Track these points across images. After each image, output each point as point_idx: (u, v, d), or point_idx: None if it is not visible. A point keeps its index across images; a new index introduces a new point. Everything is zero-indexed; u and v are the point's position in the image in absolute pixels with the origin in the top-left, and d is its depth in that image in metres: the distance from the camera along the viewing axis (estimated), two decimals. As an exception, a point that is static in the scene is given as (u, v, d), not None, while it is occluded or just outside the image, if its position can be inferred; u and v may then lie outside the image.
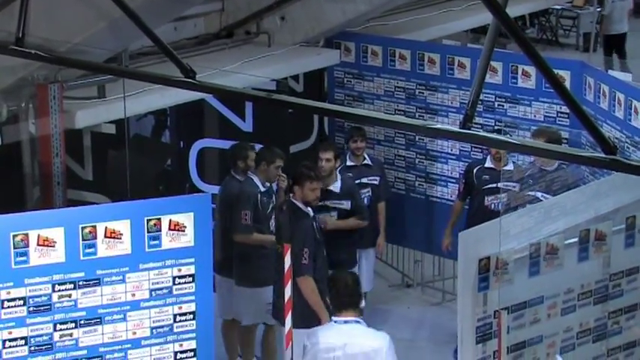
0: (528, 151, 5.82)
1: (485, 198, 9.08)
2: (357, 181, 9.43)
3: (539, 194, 8.14)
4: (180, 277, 6.55)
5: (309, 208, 8.15)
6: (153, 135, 11.40)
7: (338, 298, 6.71)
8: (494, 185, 9.02)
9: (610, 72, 9.55)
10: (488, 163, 9.16)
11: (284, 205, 8.30)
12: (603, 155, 4.51)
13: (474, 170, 9.22)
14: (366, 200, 9.44)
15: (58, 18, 7.05)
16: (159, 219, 6.44)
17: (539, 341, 6.73)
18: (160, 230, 6.45)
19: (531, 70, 9.38)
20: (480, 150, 9.58)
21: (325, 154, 9.05)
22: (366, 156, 9.60)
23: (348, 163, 9.52)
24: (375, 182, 9.55)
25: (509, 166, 9.08)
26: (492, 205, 9.03)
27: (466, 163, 9.67)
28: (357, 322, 6.66)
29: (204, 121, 9.90)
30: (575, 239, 6.82)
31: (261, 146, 9.04)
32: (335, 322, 6.68)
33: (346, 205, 9.04)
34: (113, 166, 8.87)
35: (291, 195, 8.25)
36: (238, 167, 8.76)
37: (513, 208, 8.08)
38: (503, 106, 9.71)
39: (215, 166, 9.86)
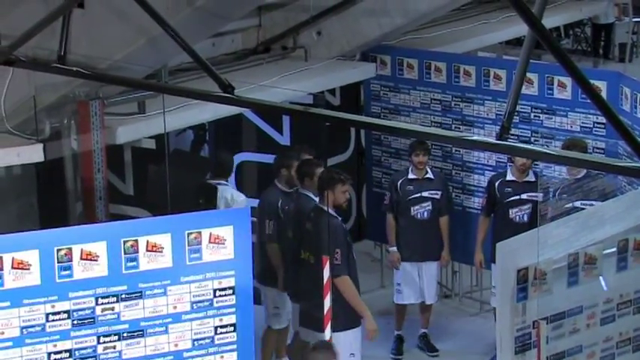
0: (565, 161, 5.84)
1: (510, 210, 9.09)
2: (417, 195, 9.45)
3: (577, 203, 8.14)
4: (220, 289, 6.63)
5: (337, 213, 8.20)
6: (192, 149, 11.52)
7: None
8: (518, 197, 9.04)
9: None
10: (510, 176, 9.17)
11: (312, 212, 8.33)
12: (641, 165, 4.53)
13: (496, 184, 9.23)
14: (425, 214, 9.47)
15: (98, 36, 7.15)
16: (199, 232, 6.52)
17: (579, 351, 6.73)
18: (201, 243, 6.53)
19: (567, 80, 9.38)
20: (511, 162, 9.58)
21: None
22: (429, 170, 9.58)
23: (410, 176, 9.49)
24: (437, 196, 9.50)
25: (531, 177, 9.10)
26: (517, 217, 9.05)
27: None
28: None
29: (242, 135, 9.99)
30: (614, 249, 6.82)
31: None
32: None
33: None
34: (153, 180, 8.96)
35: (318, 201, 8.31)
36: (282, 176, 8.77)
37: (551, 219, 8.09)
38: (539, 117, 9.71)
39: (254, 180, 9.94)
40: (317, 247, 8.00)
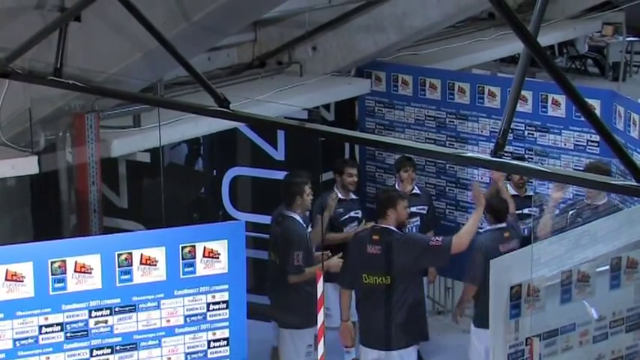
0: (559, 179, 5.84)
1: None
2: None
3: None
4: (214, 303, 6.64)
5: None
6: (186, 163, 11.51)
7: None
8: (519, 212, 9.07)
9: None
10: (511, 191, 9.21)
11: (374, 234, 8.14)
12: (635, 183, 4.55)
13: None
14: (414, 230, 9.46)
15: (95, 49, 7.16)
16: (193, 246, 6.53)
17: (572, 368, 6.75)
18: (195, 257, 6.54)
19: (561, 98, 9.42)
20: (508, 179, 9.62)
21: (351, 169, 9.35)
22: (415, 186, 9.62)
23: None
24: (424, 211, 9.56)
25: (529, 193, 9.13)
26: None
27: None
28: None
29: (236, 149, 10.00)
30: (607, 267, 6.84)
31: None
32: None
33: None
34: (148, 194, 8.97)
35: (379, 220, 8.18)
36: (296, 203, 8.51)
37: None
38: (533, 134, 9.74)
39: (248, 194, 9.94)
40: (391, 269, 7.99)
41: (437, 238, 8.06)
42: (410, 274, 8.04)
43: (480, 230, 8.62)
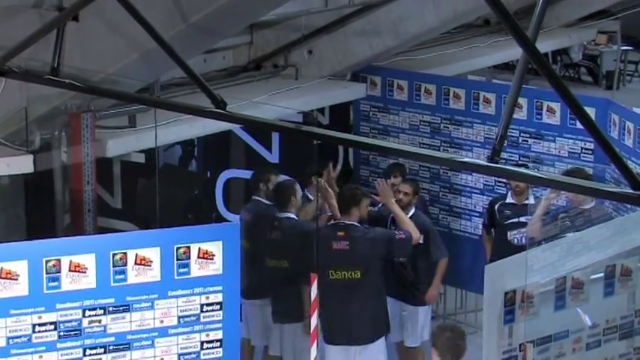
0: (556, 185, 5.84)
1: (508, 233, 9.12)
2: None
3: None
4: (208, 304, 6.62)
5: None
6: (180, 164, 11.52)
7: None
8: (516, 220, 9.07)
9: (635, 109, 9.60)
10: (509, 199, 9.22)
11: (339, 230, 8.23)
12: (631, 191, 4.55)
13: (496, 206, 9.28)
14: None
15: (92, 49, 7.16)
16: (188, 247, 6.52)
17: (564, 375, 6.75)
18: (189, 258, 6.53)
19: (556, 106, 9.45)
20: (503, 184, 9.65)
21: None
22: None
23: None
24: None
25: (531, 200, 9.13)
26: (515, 240, 9.08)
27: (490, 198, 9.74)
28: None
29: (230, 151, 10.01)
30: (601, 274, 6.85)
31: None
32: None
33: None
34: (142, 194, 8.96)
35: (343, 217, 8.25)
36: (260, 190, 8.77)
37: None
38: (527, 141, 9.76)
39: (241, 196, 9.94)
40: (361, 263, 8.11)
41: (400, 232, 8.33)
42: (379, 267, 8.19)
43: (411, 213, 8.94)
